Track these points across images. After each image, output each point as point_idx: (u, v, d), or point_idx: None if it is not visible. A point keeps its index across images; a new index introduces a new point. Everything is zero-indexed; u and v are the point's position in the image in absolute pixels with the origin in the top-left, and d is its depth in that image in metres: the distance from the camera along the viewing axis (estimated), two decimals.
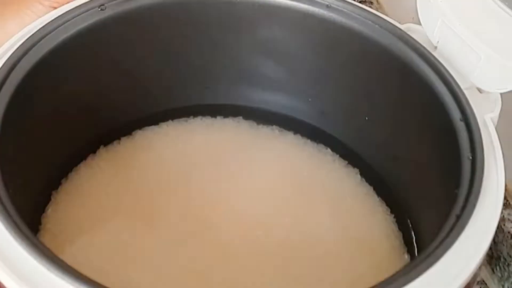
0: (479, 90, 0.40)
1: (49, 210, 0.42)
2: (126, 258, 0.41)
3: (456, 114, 0.36)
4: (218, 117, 0.51)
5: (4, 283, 0.27)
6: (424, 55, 0.40)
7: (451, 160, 0.34)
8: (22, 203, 0.33)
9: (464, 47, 0.39)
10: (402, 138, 0.44)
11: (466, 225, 0.28)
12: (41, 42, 0.38)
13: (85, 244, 0.41)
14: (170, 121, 0.50)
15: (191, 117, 0.51)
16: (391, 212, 0.46)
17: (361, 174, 0.48)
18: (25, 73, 0.36)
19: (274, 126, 0.51)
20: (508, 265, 0.44)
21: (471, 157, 0.33)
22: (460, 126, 0.35)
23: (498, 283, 0.46)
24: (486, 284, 0.48)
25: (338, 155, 0.49)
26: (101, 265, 0.40)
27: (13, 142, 0.35)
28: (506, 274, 0.44)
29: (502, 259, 0.46)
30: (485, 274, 0.48)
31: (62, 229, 0.42)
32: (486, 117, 0.37)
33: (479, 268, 0.29)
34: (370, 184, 0.47)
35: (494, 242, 0.46)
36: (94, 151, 0.47)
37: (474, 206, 0.30)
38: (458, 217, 0.29)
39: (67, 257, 0.38)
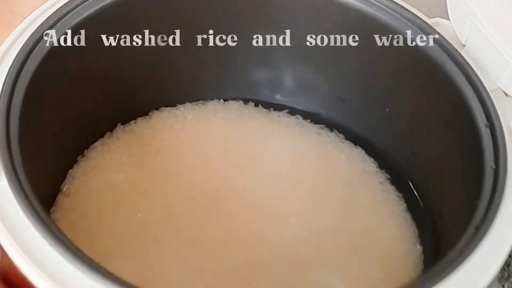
0: (505, 93, 0.39)
1: (65, 187, 0.42)
2: (141, 237, 0.41)
3: (481, 120, 0.35)
4: (233, 101, 0.51)
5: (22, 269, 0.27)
6: (452, 54, 0.39)
7: (473, 167, 0.34)
8: (38, 181, 0.32)
9: (492, 50, 0.38)
10: (421, 135, 0.44)
11: (484, 237, 0.28)
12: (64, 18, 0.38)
13: (100, 223, 0.41)
14: (187, 103, 0.50)
15: (208, 99, 0.51)
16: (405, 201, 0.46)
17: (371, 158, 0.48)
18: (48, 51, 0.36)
19: (289, 112, 0.51)
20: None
21: (494, 167, 0.32)
22: (485, 132, 0.34)
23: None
24: None
25: (355, 145, 0.49)
26: (116, 244, 0.40)
27: (33, 119, 0.35)
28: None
29: None
30: None
31: (76, 207, 0.42)
32: (511, 124, 0.36)
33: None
34: (377, 164, 0.48)
35: None
36: (111, 129, 0.47)
37: (493, 218, 0.29)
38: (478, 228, 0.28)
39: (81, 235, 0.39)
